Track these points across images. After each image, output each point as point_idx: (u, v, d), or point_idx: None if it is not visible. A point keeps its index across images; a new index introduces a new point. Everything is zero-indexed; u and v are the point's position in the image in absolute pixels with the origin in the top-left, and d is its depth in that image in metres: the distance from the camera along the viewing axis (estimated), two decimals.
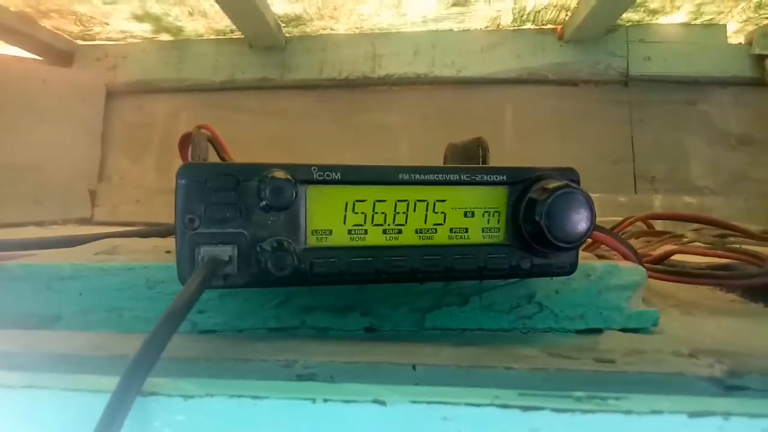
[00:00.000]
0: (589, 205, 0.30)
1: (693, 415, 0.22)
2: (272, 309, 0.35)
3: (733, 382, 0.25)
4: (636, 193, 1.15)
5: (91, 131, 1.31)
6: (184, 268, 0.27)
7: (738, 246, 0.59)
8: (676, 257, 0.58)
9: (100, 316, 0.35)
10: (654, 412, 0.21)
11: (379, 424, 0.22)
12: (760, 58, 1.13)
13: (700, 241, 0.72)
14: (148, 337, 0.21)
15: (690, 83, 1.17)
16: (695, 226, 0.90)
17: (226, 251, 0.27)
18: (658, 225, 0.88)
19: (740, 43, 1.17)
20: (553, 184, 0.30)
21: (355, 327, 0.35)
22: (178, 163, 0.28)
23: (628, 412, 0.21)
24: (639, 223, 0.82)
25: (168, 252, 0.43)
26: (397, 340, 0.32)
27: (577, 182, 0.31)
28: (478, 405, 0.21)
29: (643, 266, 0.38)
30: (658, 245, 0.75)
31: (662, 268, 0.50)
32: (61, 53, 1.35)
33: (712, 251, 0.55)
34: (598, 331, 0.36)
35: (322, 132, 1.28)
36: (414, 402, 0.22)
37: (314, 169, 0.28)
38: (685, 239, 0.80)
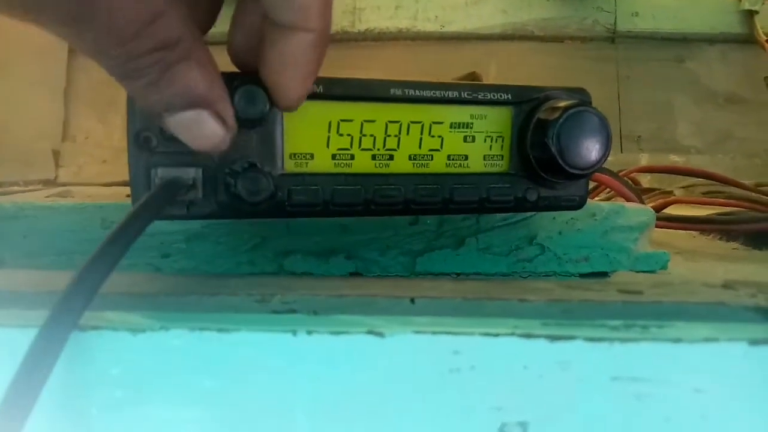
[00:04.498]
0: (606, 127, 0.26)
1: (754, 342, 0.19)
2: (246, 253, 0.31)
3: None
4: (622, 152, 1.12)
5: (53, 88, 1.23)
6: (140, 195, 0.23)
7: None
8: (670, 209, 0.55)
9: (48, 260, 0.30)
10: (708, 339, 0.18)
11: (376, 360, 0.18)
12: (749, 14, 1.10)
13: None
14: (88, 260, 0.17)
15: (678, 40, 1.14)
16: (684, 183, 0.88)
17: (188, 173, 0.23)
18: (645, 182, 0.86)
19: None
20: (564, 103, 0.26)
21: (338, 272, 0.32)
22: None
23: (677, 340, 0.18)
24: (626, 179, 0.79)
25: (128, 196, 0.39)
26: (388, 278, 0.28)
27: (589, 104, 0.28)
28: (496, 335, 0.18)
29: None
30: (647, 201, 0.73)
31: (663, 214, 0.48)
32: None
33: (712, 200, 0.52)
34: (604, 275, 0.33)
35: None
36: (417, 332, 0.18)
37: None
38: (673, 197, 0.78)
